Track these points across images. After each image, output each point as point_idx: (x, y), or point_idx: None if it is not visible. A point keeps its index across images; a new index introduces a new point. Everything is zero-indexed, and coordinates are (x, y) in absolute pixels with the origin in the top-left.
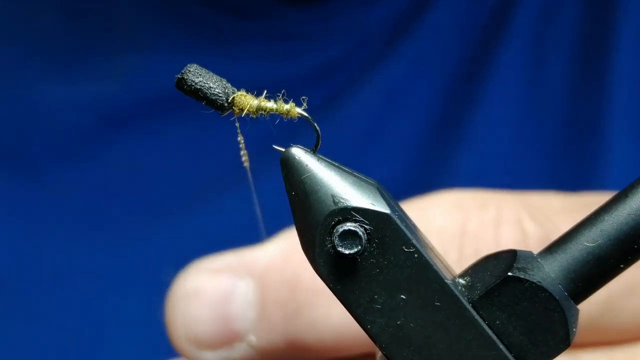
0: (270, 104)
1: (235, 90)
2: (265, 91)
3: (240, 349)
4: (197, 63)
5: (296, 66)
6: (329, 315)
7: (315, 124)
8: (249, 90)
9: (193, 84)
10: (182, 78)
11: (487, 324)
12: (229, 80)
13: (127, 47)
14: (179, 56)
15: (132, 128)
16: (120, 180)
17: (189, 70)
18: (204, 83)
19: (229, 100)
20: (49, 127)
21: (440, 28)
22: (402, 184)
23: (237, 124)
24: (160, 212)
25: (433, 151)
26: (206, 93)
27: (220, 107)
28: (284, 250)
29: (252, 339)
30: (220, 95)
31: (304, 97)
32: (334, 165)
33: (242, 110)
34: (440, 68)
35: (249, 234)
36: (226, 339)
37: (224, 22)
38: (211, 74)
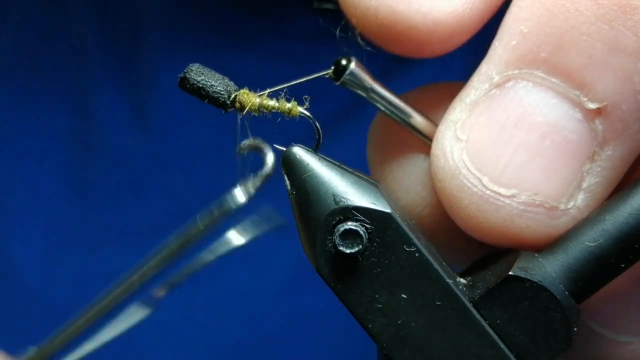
0: (272, 102)
1: (238, 88)
2: (268, 89)
3: None
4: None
5: (318, 67)
6: None
7: (317, 123)
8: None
9: (195, 82)
10: (185, 77)
11: (488, 324)
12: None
13: (152, 47)
14: (204, 55)
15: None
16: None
17: (191, 70)
18: (206, 81)
19: (231, 98)
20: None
21: None
22: None
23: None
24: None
25: None
26: (208, 91)
27: (223, 105)
28: None
29: None
30: (222, 93)
31: (306, 97)
32: (335, 164)
33: (243, 108)
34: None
35: None
36: None
37: (247, 22)
38: (213, 72)
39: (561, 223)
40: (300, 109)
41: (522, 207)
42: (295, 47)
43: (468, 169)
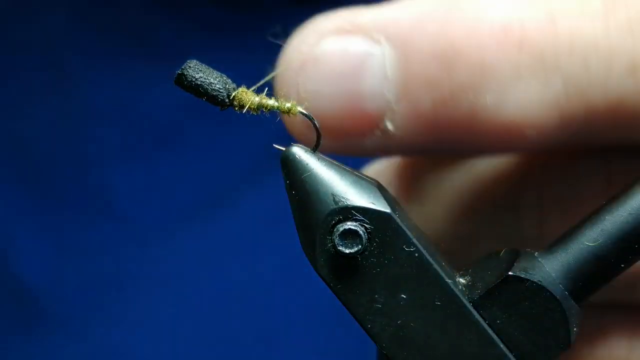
0: (272, 102)
1: (236, 86)
2: (267, 88)
3: (371, 138)
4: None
5: None
6: (500, 103)
7: (316, 123)
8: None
9: (193, 79)
10: (182, 74)
11: (487, 324)
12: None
13: (138, 50)
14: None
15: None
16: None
17: (189, 66)
18: (205, 79)
19: (230, 97)
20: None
21: None
22: None
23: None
24: (182, 217)
25: None
26: (207, 89)
27: (221, 103)
28: (437, 8)
29: (388, 125)
30: (221, 91)
31: None
32: (334, 164)
33: (242, 106)
34: None
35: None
36: (353, 124)
37: (230, 19)
38: (211, 69)
39: None
40: (299, 108)
41: None
42: (278, 45)
43: None
